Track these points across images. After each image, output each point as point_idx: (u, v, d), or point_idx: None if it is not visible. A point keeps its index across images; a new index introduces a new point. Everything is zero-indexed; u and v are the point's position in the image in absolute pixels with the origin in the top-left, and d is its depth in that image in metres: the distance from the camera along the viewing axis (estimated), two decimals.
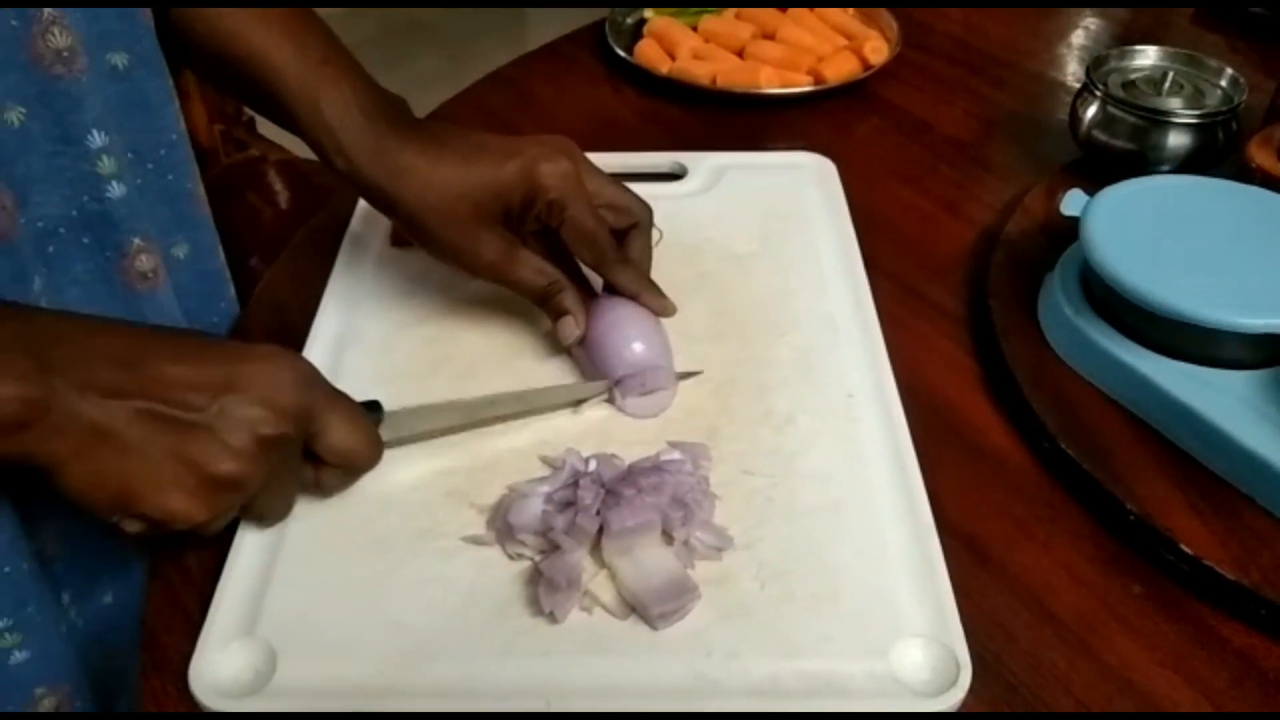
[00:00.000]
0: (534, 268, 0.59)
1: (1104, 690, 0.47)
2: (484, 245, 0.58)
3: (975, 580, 0.51)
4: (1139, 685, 0.48)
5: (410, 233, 0.60)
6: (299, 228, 0.76)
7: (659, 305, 0.61)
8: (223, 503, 0.46)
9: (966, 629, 0.47)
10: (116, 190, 0.55)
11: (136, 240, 0.58)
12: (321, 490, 0.53)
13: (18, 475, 0.50)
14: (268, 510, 0.51)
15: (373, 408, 0.54)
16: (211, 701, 0.45)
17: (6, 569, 0.51)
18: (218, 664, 0.47)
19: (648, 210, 0.63)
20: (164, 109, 0.58)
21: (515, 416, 0.58)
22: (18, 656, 0.53)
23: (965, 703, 0.45)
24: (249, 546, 0.51)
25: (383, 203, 0.59)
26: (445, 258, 0.60)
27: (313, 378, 0.49)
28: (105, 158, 0.54)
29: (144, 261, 0.58)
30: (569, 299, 0.60)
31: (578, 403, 0.59)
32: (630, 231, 0.62)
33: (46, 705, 0.55)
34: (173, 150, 0.59)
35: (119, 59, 0.55)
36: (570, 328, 0.59)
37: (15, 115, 0.51)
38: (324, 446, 0.50)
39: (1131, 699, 0.47)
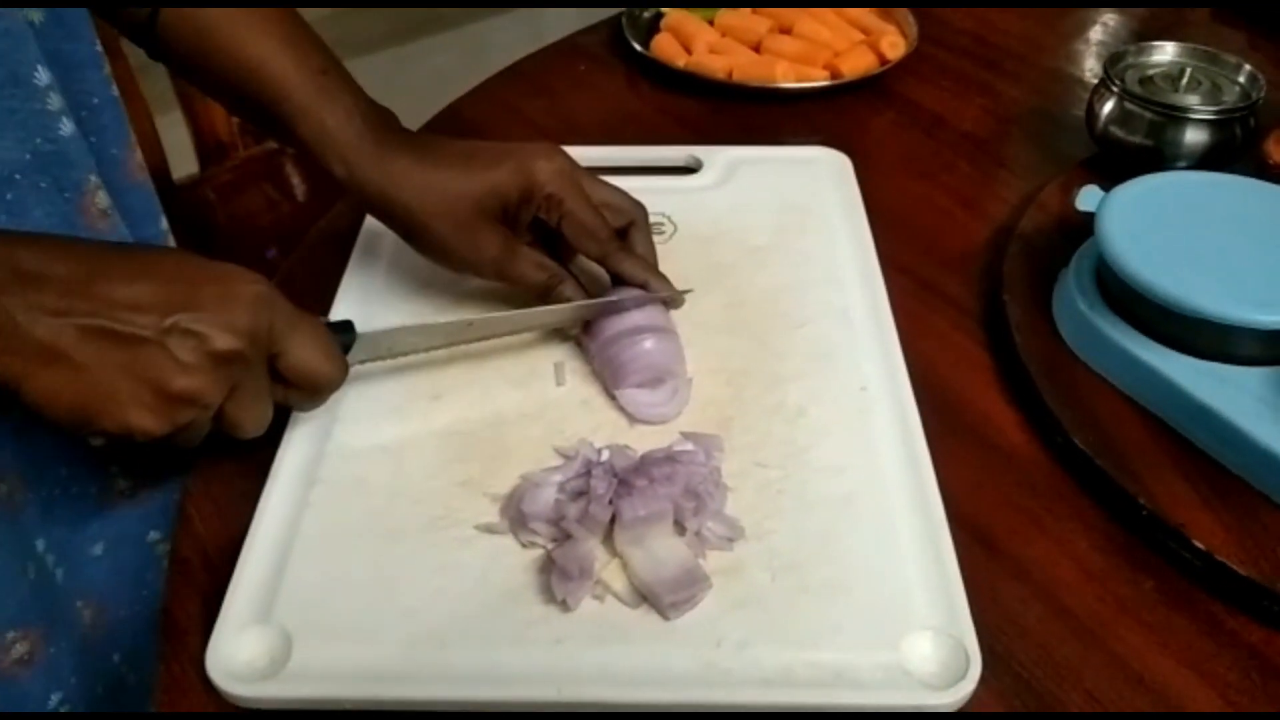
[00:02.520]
0: (534, 262, 0.60)
1: (1115, 684, 0.47)
2: (484, 243, 0.59)
3: (986, 574, 0.51)
4: (1150, 679, 0.48)
5: (410, 237, 0.60)
6: (315, 220, 0.76)
7: (665, 293, 0.62)
8: (182, 416, 0.47)
9: (977, 622, 0.47)
10: (67, 127, 0.55)
11: (92, 178, 0.57)
12: (291, 407, 0.54)
13: None
14: (238, 423, 0.50)
15: (345, 328, 0.54)
16: (228, 685, 0.46)
17: None
18: (234, 649, 0.47)
19: (642, 209, 0.63)
20: (88, 71, 0.58)
21: (493, 337, 0.60)
22: None
23: (975, 695, 0.46)
24: (265, 534, 0.52)
25: (382, 207, 0.60)
26: (446, 259, 0.61)
27: (270, 298, 0.49)
28: (53, 95, 0.54)
29: (101, 199, 0.58)
30: (569, 289, 0.61)
31: (560, 329, 0.62)
32: (629, 229, 0.63)
33: (19, 650, 0.55)
34: (96, 113, 0.59)
35: (35, 15, 0.55)
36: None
37: None
38: (286, 366, 0.50)
39: (1143, 693, 0.47)
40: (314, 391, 0.53)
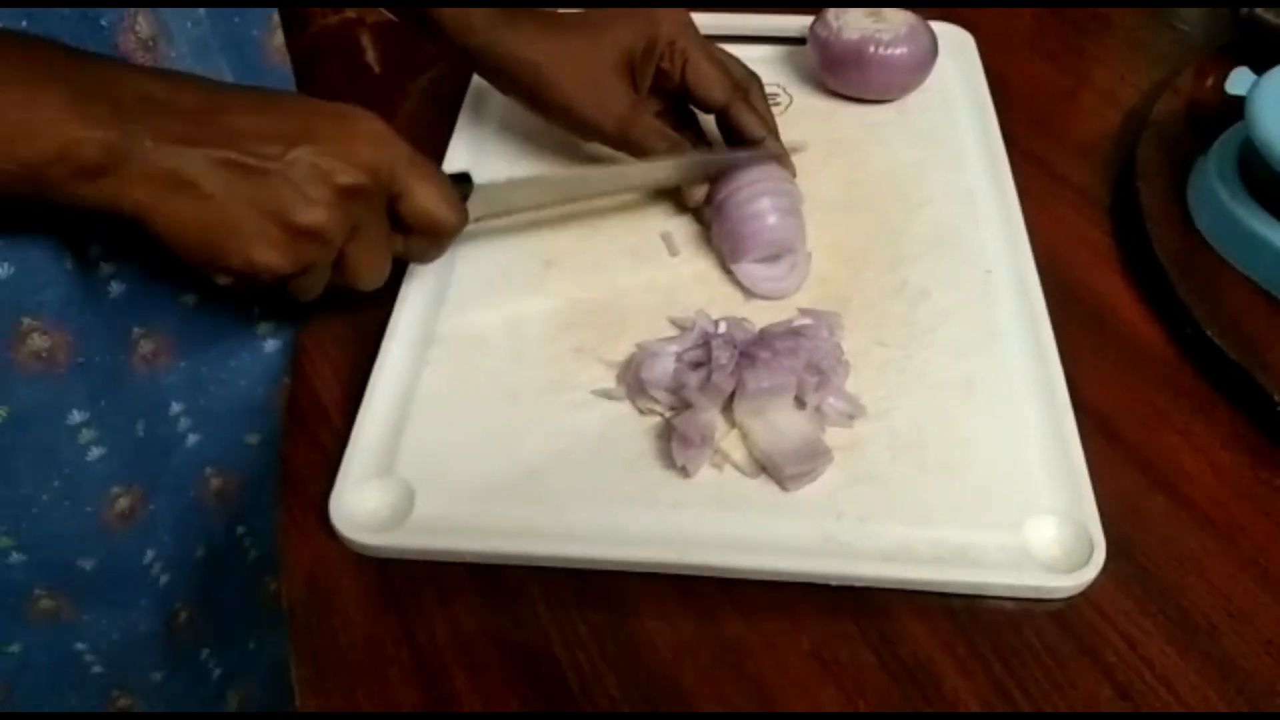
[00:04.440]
0: (655, 129, 0.59)
1: (1238, 577, 0.46)
2: (610, 100, 0.59)
3: (1109, 463, 0.50)
4: (1274, 575, 0.47)
5: (536, 96, 0.60)
6: (393, 93, 0.75)
7: (780, 155, 0.60)
8: (306, 253, 0.46)
9: (1099, 509, 0.47)
10: (200, 10, 0.54)
11: (223, 63, 0.56)
12: (410, 258, 0.53)
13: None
14: (359, 269, 0.49)
15: (463, 179, 0.53)
16: (352, 534, 0.47)
17: (80, 360, 0.51)
18: (357, 500, 0.48)
19: (757, 79, 0.62)
20: None
21: (611, 194, 0.60)
22: (94, 452, 0.54)
23: (1096, 581, 0.45)
24: (384, 388, 0.52)
25: (512, 68, 0.60)
26: (570, 119, 0.60)
27: (391, 136, 0.48)
28: None
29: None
30: None
31: (676, 187, 0.61)
32: (746, 96, 0.61)
33: (122, 505, 0.57)
34: None
35: None
36: (697, 191, 0.60)
37: None
38: (407, 208, 0.49)
39: (1269, 590, 0.46)
40: (435, 237, 0.51)
